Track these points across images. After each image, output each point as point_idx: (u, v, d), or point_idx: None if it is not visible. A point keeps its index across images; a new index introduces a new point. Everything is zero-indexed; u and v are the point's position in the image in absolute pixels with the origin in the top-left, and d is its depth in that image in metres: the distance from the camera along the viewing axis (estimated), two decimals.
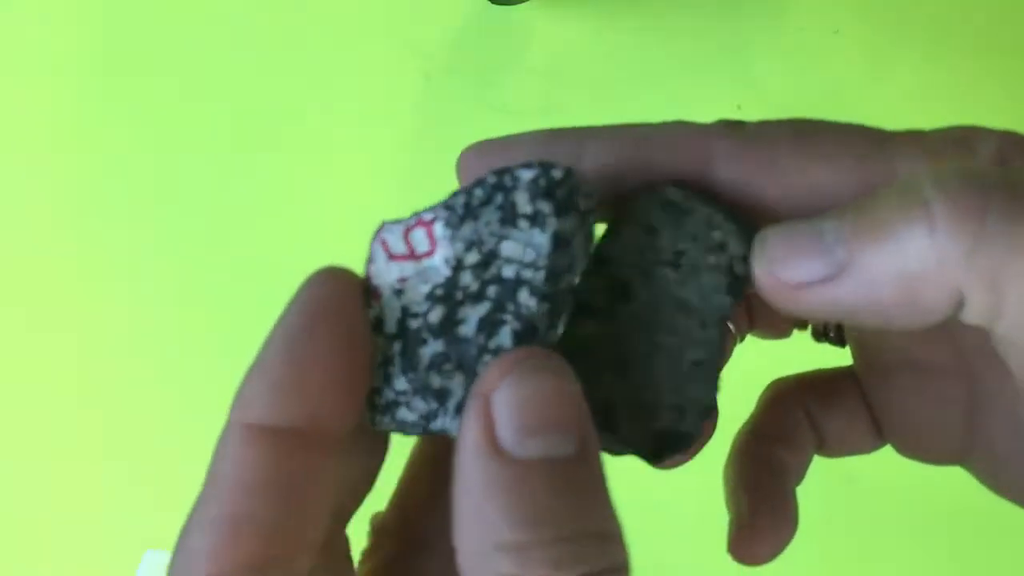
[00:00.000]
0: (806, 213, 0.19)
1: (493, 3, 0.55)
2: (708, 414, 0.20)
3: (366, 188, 0.52)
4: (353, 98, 0.54)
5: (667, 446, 0.20)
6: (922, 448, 0.24)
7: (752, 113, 0.59)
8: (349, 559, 0.22)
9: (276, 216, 0.52)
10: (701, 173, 0.20)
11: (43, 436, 0.49)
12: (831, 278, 0.18)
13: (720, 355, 0.20)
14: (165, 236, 0.52)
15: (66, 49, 0.56)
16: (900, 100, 0.53)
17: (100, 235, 0.52)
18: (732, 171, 0.20)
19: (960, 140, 0.21)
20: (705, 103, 0.54)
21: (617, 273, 0.20)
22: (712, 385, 0.20)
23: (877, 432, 0.24)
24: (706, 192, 0.20)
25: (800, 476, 0.24)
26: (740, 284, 0.19)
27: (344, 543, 0.22)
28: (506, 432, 0.17)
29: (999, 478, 0.23)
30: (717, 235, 0.19)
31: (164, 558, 0.47)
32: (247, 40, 0.56)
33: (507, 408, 0.17)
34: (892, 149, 0.21)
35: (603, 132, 0.22)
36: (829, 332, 0.25)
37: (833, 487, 0.46)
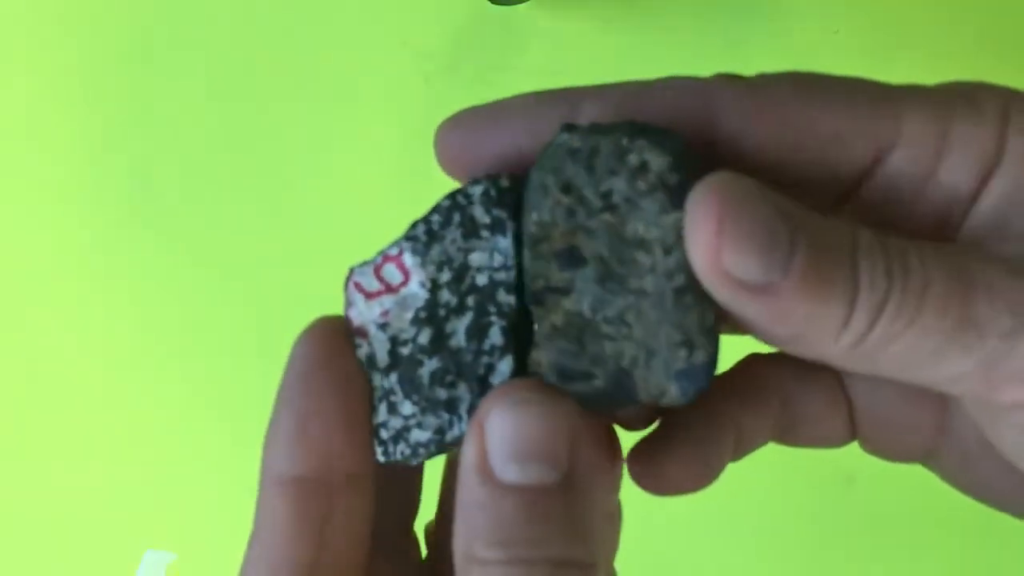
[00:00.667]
0: (815, 167, 0.19)
1: (493, 3, 0.55)
2: (714, 331, 0.19)
3: (366, 188, 0.52)
4: (352, 98, 0.54)
5: (694, 383, 0.19)
6: (892, 443, 0.23)
7: None
8: (418, 562, 0.24)
9: (275, 216, 0.52)
10: (703, 127, 0.20)
11: (43, 436, 0.49)
12: (768, 289, 0.17)
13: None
14: (165, 236, 0.52)
15: (65, 49, 0.56)
16: None
17: (100, 235, 0.52)
18: (737, 123, 0.20)
19: (966, 97, 0.21)
20: None
21: (558, 245, 0.19)
22: (705, 301, 0.19)
23: (850, 425, 0.23)
24: (594, 123, 0.19)
25: (744, 446, 0.22)
26: (680, 191, 0.18)
27: (413, 547, 0.24)
28: (494, 457, 0.18)
29: (968, 477, 0.22)
30: (633, 159, 0.19)
31: (164, 558, 0.47)
32: (246, 40, 0.56)
33: (494, 436, 0.18)
34: (900, 102, 0.21)
35: (597, 92, 0.22)
36: None
37: (833, 487, 0.46)
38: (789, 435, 0.23)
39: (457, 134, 0.22)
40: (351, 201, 0.52)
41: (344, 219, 0.52)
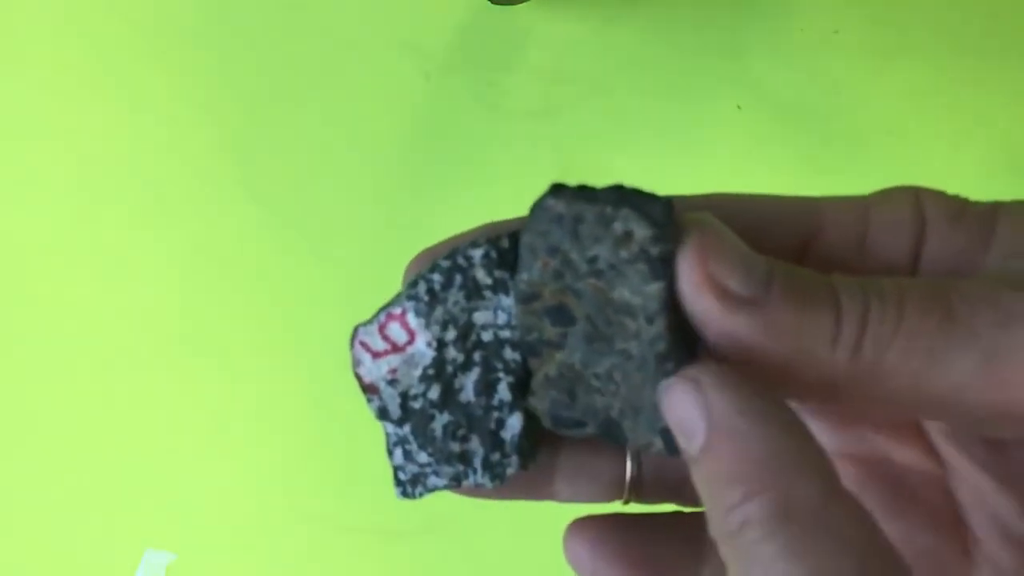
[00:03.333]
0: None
1: (493, 3, 0.55)
2: None
3: (366, 188, 0.52)
4: (353, 98, 0.54)
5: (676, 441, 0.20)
6: None
7: (752, 113, 0.59)
8: None
9: (275, 216, 0.52)
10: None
11: (43, 436, 0.49)
12: (755, 302, 0.18)
13: (679, 340, 0.19)
14: (165, 236, 0.52)
15: (65, 48, 0.56)
16: (900, 100, 0.53)
17: (100, 235, 0.52)
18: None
19: (879, 193, 0.22)
20: (705, 103, 0.54)
21: (549, 303, 0.20)
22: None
23: None
24: (581, 185, 0.19)
25: None
26: (662, 264, 0.19)
27: None
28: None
29: None
30: (618, 227, 0.19)
31: (164, 558, 0.47)
32: (246, 39, 0.56)
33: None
34: (819, 201, 0.22)
35: None
36: None
37: None
38: None
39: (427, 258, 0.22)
40: (351, 201, 0.52)
41: (344, 218, 0.52)
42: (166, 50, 0.56)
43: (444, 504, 0.46)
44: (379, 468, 0.48)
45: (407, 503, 0.50)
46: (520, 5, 0.55)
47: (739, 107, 0.53)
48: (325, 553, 0.46)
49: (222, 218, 0.52)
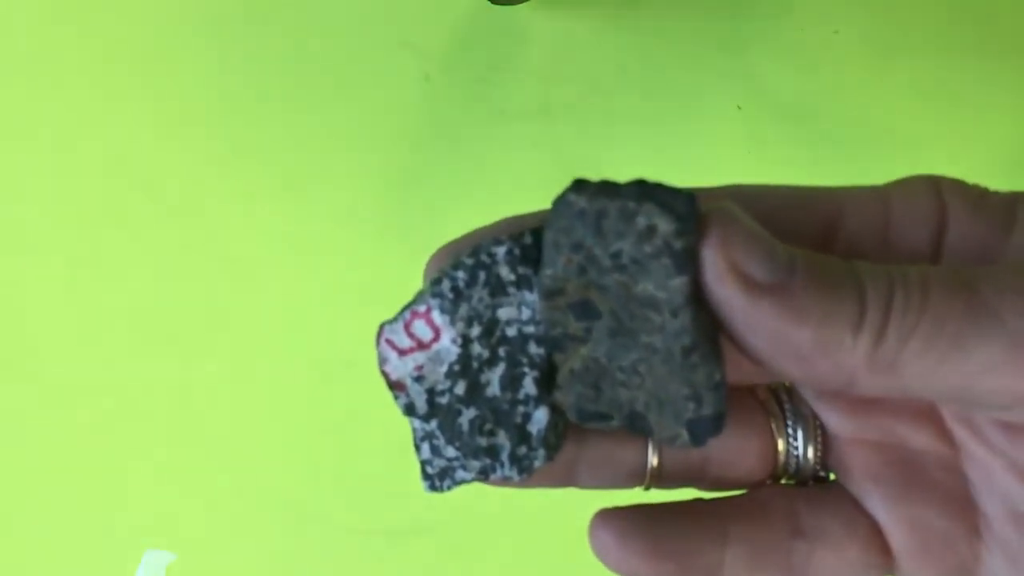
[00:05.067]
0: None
1: (493, 3, 0.55)
2: (721, 388, 0.20)
3: (366, 188, 0.52)
4: (353, 98, 0.54)
5: (703, 432, 0.20)
6: (930, 563, 0.22)
7: (752, 113, 0.59)
8: None
9: (275, 216, 0.52)
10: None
11: (43, 436, 0.49)
12: (779, 288, 0.18)
13: (704, 333, 0.19)
14: (166, 236, 0.52)
15: (65, 48, 0.56)
16: (900, 100, 0.53)
17: (100, 235, 0.52)
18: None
19: (897, 182, 0.22)
20: (705, 103, 0.54)
21: (573, 298, 0.20)
22: (712, 362, 0.20)
23: (880, 551, 0.22)
24: (603, 180, 0.19)
25: (749, 565, 0.22)
26: (686, 256, 0.19)
27: None
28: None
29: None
30: (641, 221, 0.19)
31: (164, 558, 0.47)
32: (246, 39, 0.56)
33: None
34: (840, 191, 0.22)
35: None
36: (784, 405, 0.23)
37: None
38: (813, 566, 0.22)
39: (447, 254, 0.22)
40: (351, 200, 0.52)
41: (344, 218, 0.52)
42: (165, 49, 0.56)
43: (444, 504, 0.46)
44: (379, 468, 0.49)
45: (406, 503, 0.50)
46: (520, 5, 0.55)
47: (739, 107, 0.53)
48: (325, 553, 0.46)
49: (221, 218, 0.52)
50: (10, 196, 0.53)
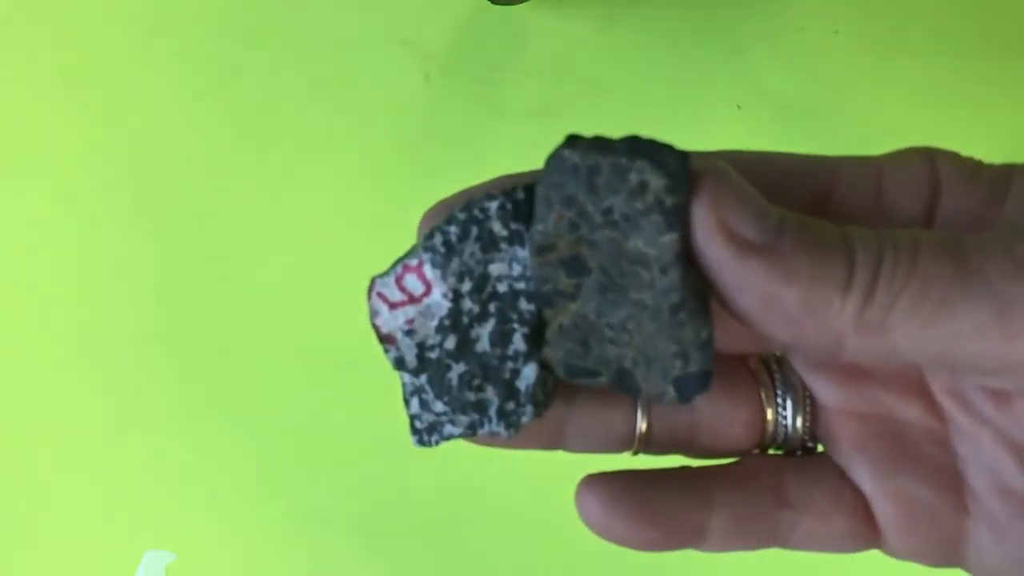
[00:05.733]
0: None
1: (493, 3, 0.55)
2: (708, 346, 0.20)
3: (366, 188, 0.52)
4: (353, 98, 0.54)
5: (689, 389, 0.20)
6: (915, 534, 0.22)
7: (752, 113, 0.59)
8: None
9: (275, 216, 0.52)
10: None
11: (43, 436, 0.49)
12: (769, 248, 0.18)
13: (693, 291, 0.19)
14: (165, 237, 0.52)
15: (65, 48, 0.56)
16: (900, 100, 0.53)
17: (101, 235, 0.52)
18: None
19: (891, 153, 0.22)
20: (705, 103, 0.54)
21: (564, 254, 0.20)
22: (700, 320, 0.20)
23: (866, 522, 0.22)
24: (596, 136, 0.19)
25: (731, 531, 0.22)
26: (677, 213, 0.19)
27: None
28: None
29: (1004, 549, 0.21)
30: (633, 177, 0.19)
31: (164, 558, 0.47)
32: (246, 39, 0.56)
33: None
34: (834, 159, 0.22)
35: None
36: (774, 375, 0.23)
37: None
38: (797, 535, 0.22)
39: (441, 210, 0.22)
40: (351, 200, 0.52)
41: (344, 218, 0.52)
42: (164, 49, 0.56)
43: (444, 504, 0.46)
44: (379, 468, 0.49)
45: (406, 503, 0.50)
46: (520, 5, 0.55)
47: (739, 107, 0.53)
48: (325, 553, 0.46)
49: (220, 218, 0.52)
50: (11, 196, 0.53)
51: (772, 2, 0.55)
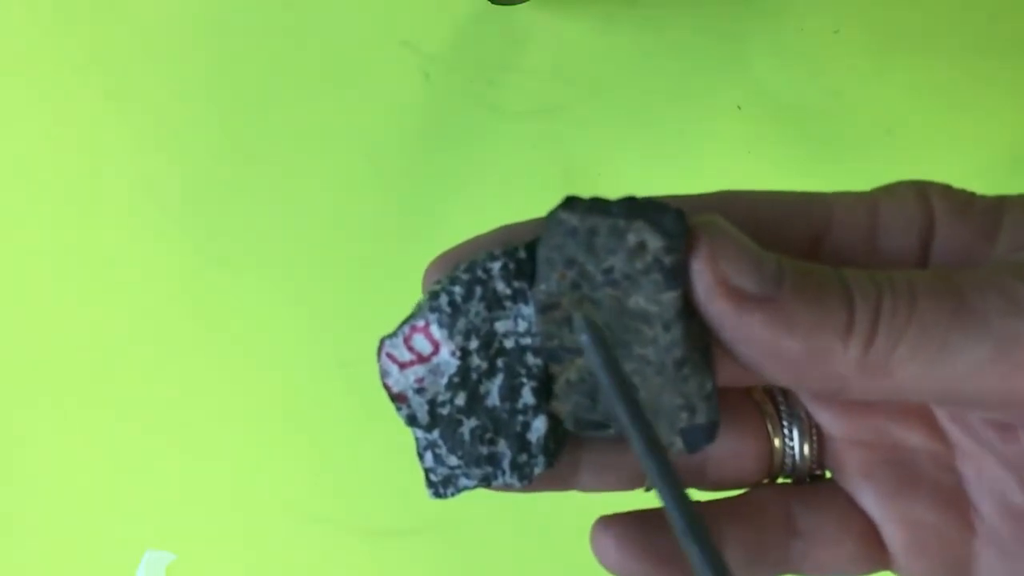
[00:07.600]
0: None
1: (493, 3, 0.55)
2: (713, 398, 0.20)
3: (366, 188, 0.52)
4: (353, 98, 0.54)
5: (696, 440, 0.21)
6: (925, 557, 0.22)
7: (752, 113, 0.59)
8: None
9: (275, 216, 0.52)
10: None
11: (43, 436, 0.49)
12: (768, 299, 0.18)
13: (696, 344, 0.20)
14: (163, 237, 0.52)
15: (64, 48, 0.56)
16: (900, 100, 0.53)
17: (101, 235, 0.52)
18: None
19: (884, 188, 0.22)
20: (705, 103, 0.54)
21: (568, 312, 0.20)
22: (703, 373, 0.20)
23: (875, 547, 0.23)
24: (594, 198, 0.20)
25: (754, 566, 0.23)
26: (675, 272, 0.19)
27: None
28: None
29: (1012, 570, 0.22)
30: (631, 238, 0.19)
31: (164, 558, 0.47)
32: (246, 39, 0.56)
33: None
34: (829, 196, 0.22)
35: None
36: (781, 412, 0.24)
37: None
38: (809, 563, 0.23)
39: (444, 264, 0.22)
40: (351, 200, 0.52)
41: (344, 218, 0.52)
42: (164, 49, 0.56)
43: (444, 504, 0.46)
44: (379, 468, 0.49)
45: (406, 503, 0.50)
46: (520, 5, 0.55)
47: (739, 107, 0.53)
48: (325, 553, 0.46)
49: (220, 218, 0.52)
50: (10, 193, 0.53)
51: (772, 2, 0.55)
